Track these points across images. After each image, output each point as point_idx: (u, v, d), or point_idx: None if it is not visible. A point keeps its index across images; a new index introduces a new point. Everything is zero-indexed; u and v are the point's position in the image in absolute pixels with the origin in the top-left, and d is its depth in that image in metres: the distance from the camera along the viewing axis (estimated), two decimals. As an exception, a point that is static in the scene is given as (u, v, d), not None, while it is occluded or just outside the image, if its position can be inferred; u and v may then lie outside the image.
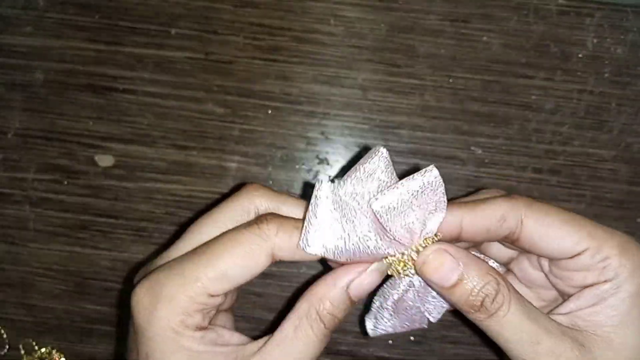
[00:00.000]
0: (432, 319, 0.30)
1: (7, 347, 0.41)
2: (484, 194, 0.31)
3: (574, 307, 0.28)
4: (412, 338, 0.41)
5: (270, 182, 0.41)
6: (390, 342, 0.41)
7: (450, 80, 0.41)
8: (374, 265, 0.27)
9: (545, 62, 0.41)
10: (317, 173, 0.41)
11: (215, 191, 0.41)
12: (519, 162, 0.41)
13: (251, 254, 0.26)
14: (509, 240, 0.29)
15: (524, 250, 0.29)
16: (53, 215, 0.41)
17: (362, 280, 0.27)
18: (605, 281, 0.27)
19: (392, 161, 0.26)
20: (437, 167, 0.25)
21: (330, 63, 0.41)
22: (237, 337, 0.28)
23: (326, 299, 0.26)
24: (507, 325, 0.26)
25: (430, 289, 0.28)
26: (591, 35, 0.41)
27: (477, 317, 0.26)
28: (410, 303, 0.29)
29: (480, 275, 0.26)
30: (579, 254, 0.27)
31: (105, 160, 0.41)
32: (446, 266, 0.26)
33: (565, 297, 0.29)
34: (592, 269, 0.27)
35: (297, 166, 0.41)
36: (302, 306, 0.26)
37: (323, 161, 0.41)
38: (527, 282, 0.32)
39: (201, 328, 0.26)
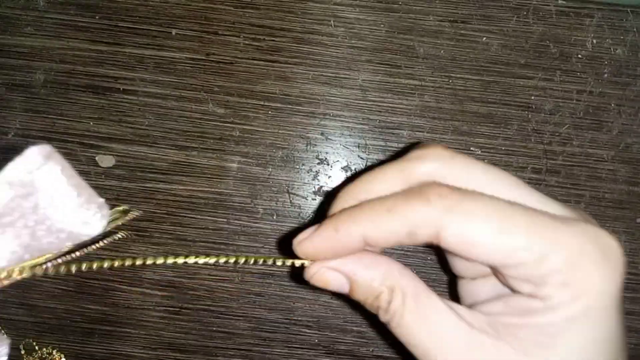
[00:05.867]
0: None
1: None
2: (415, 160, 0.25)
3: (499, 310, 0.24)
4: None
5: (271, 182, 0.41)
6: (390, 341, 0.41)
7: (450, 81, 0.41)
8: None
9: (544, 63, 0.41)
10: (317, 173, 0.41)
11: (215, 191, 0.41)
12: (518, 163, 0.41)
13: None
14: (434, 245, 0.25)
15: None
16: (54, 215, 0.41)
17: None
18: (538, 297, 0.22)
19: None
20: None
21: (330, 64, 0.41)
22: None
23: None
24: (404, 332, 0.24)
25: None
26: (591, 36, 0.41)
27: (381, 320, 0.25)
28: None
29: (369, 287, 0.25)
30: (514, 265, 0.22)
31: (106, 161, 0.41)
32: (332, 284, 0.25)
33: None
34: (530, 279, 0.22)
35: (297, 166, 0.41)
36: None
37: (323, 161, 0.41)
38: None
39: None
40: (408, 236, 0.23)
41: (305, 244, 0.25)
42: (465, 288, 0.28)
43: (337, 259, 0.25)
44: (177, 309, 0.42)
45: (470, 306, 0.26)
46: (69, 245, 0.22)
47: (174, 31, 0.41)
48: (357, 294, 0.25)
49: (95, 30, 0.41)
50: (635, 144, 0.41)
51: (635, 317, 0.41)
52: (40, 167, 0.20)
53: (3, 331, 0.24)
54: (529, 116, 0.41)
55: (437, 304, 0.24)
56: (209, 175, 0.41)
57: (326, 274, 0.25)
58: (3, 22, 0.41)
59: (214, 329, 0.42)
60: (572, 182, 0.41)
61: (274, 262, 0.26)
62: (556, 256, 0.22)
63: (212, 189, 0.41)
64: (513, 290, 0.24)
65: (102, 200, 0.22)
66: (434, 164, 0.24)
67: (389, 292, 0.24)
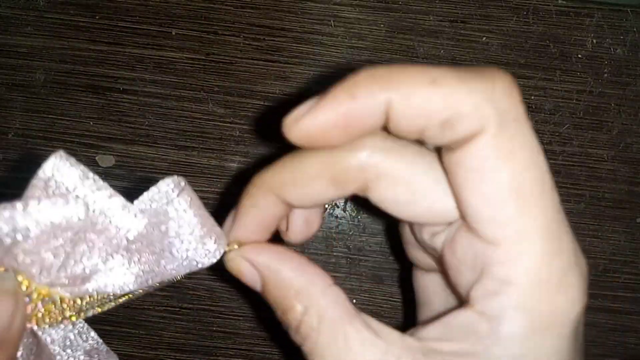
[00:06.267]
0: None
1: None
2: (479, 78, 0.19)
3: (436, 334, 0.20)
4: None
5: (271, 182, 0.41)
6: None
7: (450, 81, 0.41)
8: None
9: (544, 63, 0.41)
10: (317, 173, 0.41)
11: (215, 191, 0.41)
12: (519, 163, 0.41)
13: None
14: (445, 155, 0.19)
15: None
16: (53, 215, 0.41)
17: None
18: (486, 315, 0.19)
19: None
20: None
21: (330, 64, 0.41)
22: None
23: None
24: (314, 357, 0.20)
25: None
26: (591, 36, 0.41)
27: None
28: None
29: (280, 295, 0.21)
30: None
31: (106, 161, 0.41)
32: (246, 277, 0.22)
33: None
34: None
35: (297, 166, 0.41)
36: None
37: (323, 161, 0.41)
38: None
39: None
40: (440, 126, 0.18)
41: (306, 122, 0.19)
42: (419, 282, 0.26)
43: (344, 143, 0.19)
44: (177, 309, 0.42)
45: (423, 306, 0.24)
46: (183, 274, 0.22)
47: (173, 31, 0.41)
48: (268, 297, 0.22)
49: (95, 30, 0.41)
50: (635, 144, 0.41)
51: (635, 317, 0.41)
52: (173, 199, 0.21)
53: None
54: (529, 116, 0.41)
55: (361, 333, 0.20)
56: (209, 175, 0.41)
57: (241, 264, 0.22)
58: (3, 22, 0.41)
59: (214, 329, 0.42)
60: (572, 182, 0.41)
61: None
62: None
63: (212, 189, 0.41)
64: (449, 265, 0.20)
65: (220, 230, 0.22)
66: (370, 159, 0.20)
67: (302, 310, 0.20)
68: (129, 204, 0.21)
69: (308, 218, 0.24)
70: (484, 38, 0.41)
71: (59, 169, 0.19)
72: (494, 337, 0.18)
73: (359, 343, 0.19)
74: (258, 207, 0.22)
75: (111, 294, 0.22)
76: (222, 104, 0.41)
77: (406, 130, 0.18)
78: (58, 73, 0.41)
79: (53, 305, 0.22)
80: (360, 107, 0.18)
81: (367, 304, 0.41)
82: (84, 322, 0.24)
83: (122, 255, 0.21)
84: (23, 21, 0.41)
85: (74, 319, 0.22)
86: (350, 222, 0.41)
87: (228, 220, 0.24)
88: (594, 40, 0.41)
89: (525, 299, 0.18)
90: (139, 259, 0.21)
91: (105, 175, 0.41)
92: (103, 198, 0.20)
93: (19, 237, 0.19)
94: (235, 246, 0.23)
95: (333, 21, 0.41)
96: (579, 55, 0.41)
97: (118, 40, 0.41)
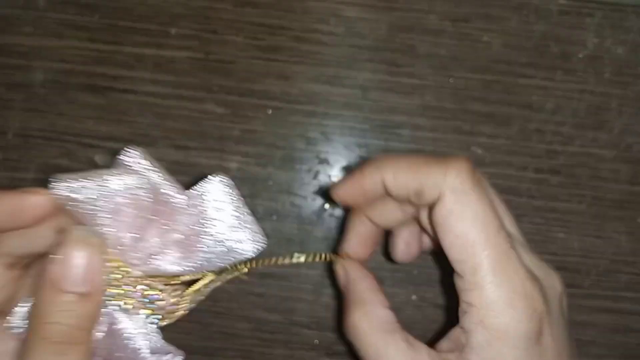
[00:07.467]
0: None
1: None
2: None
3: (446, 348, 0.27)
4: (412, 338, 0.41)
5: (271, 182, 0.41)
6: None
7: (451, 80, 0.41)
8: None
9: (545, 62, 0.41)
10: (317, 173, 0.41)
11: (215, 191, 0.41)
12: (520, 162, 0.41)
13: None
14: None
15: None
16: (53, 215, 0.41)
17: None
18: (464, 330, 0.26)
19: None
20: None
21: (331, 63, 0.41)
22: None
23: None
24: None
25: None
26: (592, 35, 0.41)
27: None
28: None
29: (350, 302, 0.29)
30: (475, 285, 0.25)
31: (105, 161, 0.41)
32: (340, 279, 0.31)
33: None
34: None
35: (297, 166, 0.41)
36: None
37: (323, 161, 0.41)
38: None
39: None
40: (416, 195, 0.27)
41: (340, 190, 0.30)
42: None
43: (366, 204, 0.30)
44: (177, 309, 0.42)
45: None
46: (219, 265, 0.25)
47: (173, 30, 0.41)
48: (343, 294, 0.30)
49: (95, 30, 0.41)
50: (636, 144, 0.41)
51: (636, 317, 0.41)
52: (218, 196, 0.24)
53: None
54: (531, 116, 0.41)
55: (398, 343, 0.26)
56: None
57: (340, 270, 0.31)
58: (3, 21, 0.41)
59: (214, 329, 0.42)
60: (574, 182, 0.41)
61: (313, 259, 0.31)
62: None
63: (212, 189, 0.41)
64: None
65: (258, 227, 0.25)
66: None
67: (358, 317, 0.28)
68: (185, 192, 0.24)
69: (407, 241, 0.33)
70: (485, 37, 0.41)
71: (132, 160, 0.24)
72: (469, 347, 0.25)
73: (394, 350, 0.26)
74: (356, 227, 0.32)
75: (175, 274, 0.25)
76: (222, 104, 0.41)
77: (397, 196, 0.28)
78: (57, 72, 0.41)
79: (121, 276, 0.24)
80: (366, 181, 0.28)
81: (367, 304, 0.40)
82: (157, 321, 0.27)
83: (178, 241, 0.24)
84: (23, 21, 0.41)
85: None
86: (350, 222, 0.41)
87: (341, 180, 0.31)
88: (595, 40, 0.41)
89: (482, 317, 0.25)
90: (191, 248, 0.24)
91: (105, 175, 0.41)
92: (167, 186, 0.24)
93: (99, 206, 0.22)
94: (346, 256, 0.32)
95: (333, 20, 0.41)
96: (580, 55, 0.41)
97: (117, 39, 0.41)
